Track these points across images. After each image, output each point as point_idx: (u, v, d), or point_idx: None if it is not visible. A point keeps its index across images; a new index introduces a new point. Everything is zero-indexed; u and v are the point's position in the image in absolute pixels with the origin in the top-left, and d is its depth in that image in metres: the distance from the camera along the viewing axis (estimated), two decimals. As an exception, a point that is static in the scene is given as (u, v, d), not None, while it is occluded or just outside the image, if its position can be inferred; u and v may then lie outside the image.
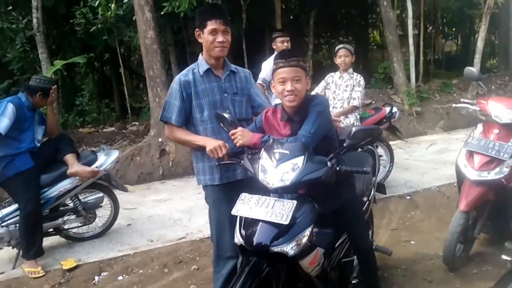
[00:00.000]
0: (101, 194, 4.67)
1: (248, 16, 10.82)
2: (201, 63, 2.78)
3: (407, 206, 4.82)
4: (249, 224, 2.31)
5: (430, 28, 13.83)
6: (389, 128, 5.54)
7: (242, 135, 2.51)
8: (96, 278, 3.83)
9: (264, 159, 2.37)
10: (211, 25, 2.63)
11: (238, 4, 10.59)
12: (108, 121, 11.78)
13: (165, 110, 2.77)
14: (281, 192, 2.30)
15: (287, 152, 2.32)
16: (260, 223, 2.24)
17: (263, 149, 2.41)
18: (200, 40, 2.73)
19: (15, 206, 4.08)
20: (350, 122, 4.77)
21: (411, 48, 9.77)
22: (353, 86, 4.88)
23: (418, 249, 3.79)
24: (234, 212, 2.34)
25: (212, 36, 2.65)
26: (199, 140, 2.71)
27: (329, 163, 2.30)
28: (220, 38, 2.65)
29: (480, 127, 3.54)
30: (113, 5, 9.51)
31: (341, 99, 4.90)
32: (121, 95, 13.56)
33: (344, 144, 2.38)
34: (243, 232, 2.31)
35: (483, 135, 3.41)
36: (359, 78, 4.92)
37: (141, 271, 3.88)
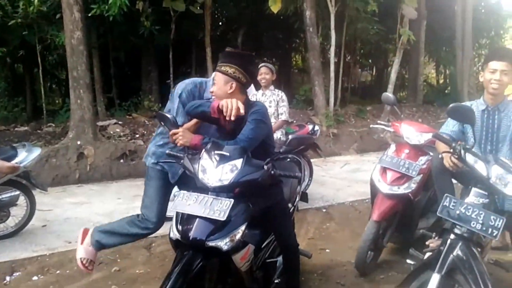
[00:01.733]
0: (17, 192, 4.44)
1: (177, 28, 10.91)
2: (210, 85, 3.01)
3: (323, 218, 5.13)
4: (186, 220, 2.41)
5: (349, 58, 14.78)
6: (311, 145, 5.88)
7: (183, 136, 2.61)
8: (8, 278, 3.63)
9: (205, 159, 2.49)
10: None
11: (168, 15, 10.65)
12: (19, 121, 11.11)
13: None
14: (219, 191, 2.43)
15: (227, 154, 2.47)
16: (197, 219, 2.35)
17: (203, 150, 2.54)
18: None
19: None
20: (277, 137, 5.00)
21: (332, 74, 10.42)
22: (277, 102, 5.17)
23: (332, 257, 4.08)
24: (172, 208, 2.43)
25: None
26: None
27: (265, 167, 2.47)
28: None
29: (393, 146, 3.94)
30: (36, 0, 9.11)
31: (267, 114, 5.15)
32: (33, 95, 12.88)
33: (281, 150, 2.57)
34: (179, 227, 2.40)
35: (396, 154, 3.80)
36: (281, 94, 5.22)
37: (58, 272, 3.75)
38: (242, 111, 2.51)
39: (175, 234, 2.38)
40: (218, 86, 2.64)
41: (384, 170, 3.73)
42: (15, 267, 3.81)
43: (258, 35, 15.69)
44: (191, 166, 2.54)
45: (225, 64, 2.65)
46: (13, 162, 4.15)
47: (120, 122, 9.59)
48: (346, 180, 6.91)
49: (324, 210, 5.40)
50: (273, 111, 5.16)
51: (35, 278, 3.65)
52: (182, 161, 2.62)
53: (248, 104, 2.67)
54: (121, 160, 7.68)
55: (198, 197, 2.41)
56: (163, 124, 2.73)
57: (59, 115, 11.00)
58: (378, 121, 4.50)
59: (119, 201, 5.86)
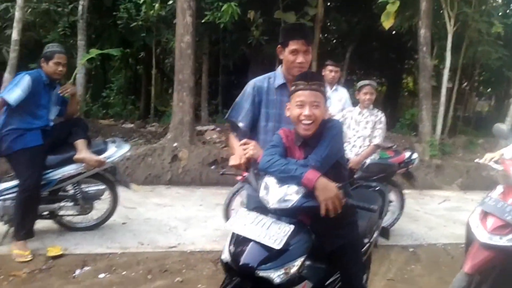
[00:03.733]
0: (103, 186, 4.59)
1: (285, 42, 10.88)
2: (279, 76, 2.71)
3: (408, 258, 4.58)
4: (240, 241, 2.20)
5: (465, 84, 13.62)
6: (405, 174, 5.37)
7: (254, 148, 2.44)
8: (78, 271, 3.69)
9: (270, 177, 2.27)
10: (293, 44, 2.56)
11: (278, 26, 10.67)
12: (130, 118, 11.88)
13: (233, 109, 2.74)
14: (280, 214, 2.19)
15: None
16: (251, 243, 2.13)
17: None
18: (280, 57, 2.67)
19: (16, 182, 4.02)
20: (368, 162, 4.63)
21: (443, 99, 9.63)
22: (374, 123, 4.80)
23: (413, 304, 3.60)
24: (227, 226, 2.25)
25: (293, 56, 2.58)
26: (234, 147, 2.62)
27: (336, 193, 2.18)
28: (300, 58, 2.57)
29: (500, 188, 3.37)
30: (157, 5, 9.69)
31: (361, 136, 4.80)
32: (148, 95, 13.73)
33: (355, 176, 2.27)
34: (231, 249, 2.21)
35: (502, 197, 3.23)
36: (380, 115, 4.84)
37: (124, 273, 3.73)
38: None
39: (225, 257, 2.19)
40: (321, 109, 2.28)
41: (485, 215, 3.18)
42: (87, 261, 3.88)
43: (368, 53, 15.14)
44: (255, 181, 2.33)
45: (317, 83, 2.31)
46: (102, 156, 4.29)
47: (218, 129, 9.75)
48: (443, 219, 6.18)
49: (411, 250, 4.83)
50: (368, 133, 4.79)
51: (101, 275, 3.67)
52: (247, 174, 2.44)
53: (322, 121, 2.39)
54: (212, 167, 7.72)
55: (256, 218, 2.19)
56: (233, 130, 2.57)
57: (166, 116, 11.56)
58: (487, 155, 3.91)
59: (200, 208, 5.86)
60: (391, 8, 8.85)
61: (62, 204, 4.36)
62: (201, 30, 10.14)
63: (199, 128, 9.64)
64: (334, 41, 15.26)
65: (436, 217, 6.27)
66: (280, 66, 2.76)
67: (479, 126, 13.90)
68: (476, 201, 7.13)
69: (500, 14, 11.36)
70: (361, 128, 4.82)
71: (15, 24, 7.99)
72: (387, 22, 9.00)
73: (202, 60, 11.66)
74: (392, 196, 5.11)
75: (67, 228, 4.54)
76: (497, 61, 10.77)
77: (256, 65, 12.41)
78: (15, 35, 7.93)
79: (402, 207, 5.20)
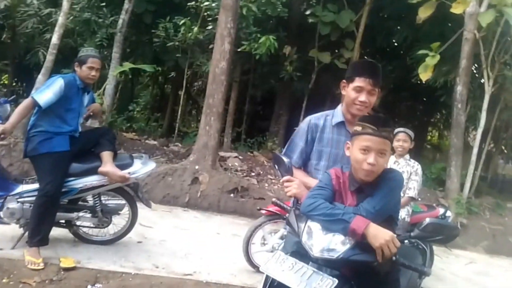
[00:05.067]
0: (123, 202, 4.43)
1: (317, 78, 10.89)
2: (337, 114, 2.61)
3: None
4: (276, 287, 2.02)
5: (492, 145, 13.26)
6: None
7: (298, 187, 2.29)
8: (89, 287, 3.51)
9: (313, 221, 2.09)
10: (358, 81, 2.43)
11: (311, 64, 10.68)
12: (153, 135, 11.85)
13: (288, 148, 2.72)
14: (322, 264, 2.00)
15: None
16: (289, 291, 1.94)
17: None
18: (343, 92, 2.55)
19: (37, 185, 3.89)
20: (401, 216, 4.38)
21: (473, 158, 9.32)
22: (410, 173, 4.63)
23: None
24: (263, 269, 2.06)
25: (355, 93, 2.45)
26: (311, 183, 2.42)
27: (387, 249, 1.98)
28: (362, 97, 2.43)
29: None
30: (196, 28, 9.74)
31: (395, 186, 4.59)
32: (172, 114, 13.71)
33: (412, 234, 2.07)
34: (266, 294, 2.02)
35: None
36: (416, 166, 4.69)
37: (136, 295, 3.55)
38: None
39: (259, 302, 2.00)
40: (386, 158, 2.12)
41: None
42: (99, 278, 3.69)
43: (396, 102, 14.99)
44: (296, 224, 2.15)
45: (389, 130, 2.14)
46: (126, 171, 4.15)
47: (240, 157, 9.61)
48: (471, 283, 5.81)
49: (438, 312, 4.52)
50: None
51: (112, 295, 3.48)
52: (287, 215, 2.26)
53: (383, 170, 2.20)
54: (231, 195, 7.54)
55: (295, 265, 2.01)
56: (276, 166, 2.45)
57: (188, 137, 11.51)
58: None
59: (217, 236, 5.65)
60: (431, 61, 8.67)
61: (80, 214, 4.21)
62: (235, 58, 10.17)
63: (221, 153, 9.51)
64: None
65: (464, 279, 5.89)
66: (340, 105, 2.64)
67: (504, 189, 13.44)
68: (503, 267, 6.82)
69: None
70: (395, 178, 4.63)
71: (56, 29, 8.11)
72: (424, 75, 8.80)
73: (231, 87, 11.67)
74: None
75: (82, 239, 4.38)
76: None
77: (283, 99, 12.37)
78: (55, 39, 8.04)
79: (431, 264, 4.90)
